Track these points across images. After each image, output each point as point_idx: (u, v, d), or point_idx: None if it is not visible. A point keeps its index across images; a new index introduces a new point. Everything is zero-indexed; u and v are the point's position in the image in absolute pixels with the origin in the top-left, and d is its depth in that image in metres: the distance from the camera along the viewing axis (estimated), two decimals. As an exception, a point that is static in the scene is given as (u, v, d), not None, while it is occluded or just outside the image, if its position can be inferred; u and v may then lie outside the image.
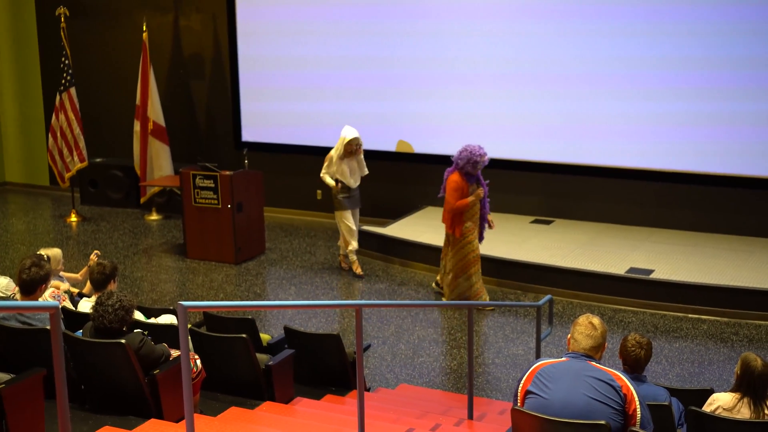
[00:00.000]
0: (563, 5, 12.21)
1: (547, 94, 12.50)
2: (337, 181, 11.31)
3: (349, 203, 11.46)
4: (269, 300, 10.94)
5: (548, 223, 12.65)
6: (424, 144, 13.29)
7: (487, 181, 10.30)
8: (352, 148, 11.22)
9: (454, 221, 10.12)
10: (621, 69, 12.03)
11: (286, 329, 7.59)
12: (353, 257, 11.58)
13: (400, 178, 13.62)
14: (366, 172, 11.60)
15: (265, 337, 7.70)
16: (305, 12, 13.73)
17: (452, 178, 10.05)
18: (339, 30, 13.57)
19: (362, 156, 11.47)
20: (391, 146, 13.57)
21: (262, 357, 6.90)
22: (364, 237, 12.50)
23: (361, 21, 13.41)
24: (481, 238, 10.35)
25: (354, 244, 11.55)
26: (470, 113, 12.89)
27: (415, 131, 13.38)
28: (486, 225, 10.41)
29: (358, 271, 11.52)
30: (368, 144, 13.66)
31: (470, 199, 10.00)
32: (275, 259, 12.35)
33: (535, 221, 12.75)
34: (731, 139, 11.70)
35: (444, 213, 10.22)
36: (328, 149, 13.43)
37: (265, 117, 14.34)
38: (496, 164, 12.83)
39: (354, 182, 11.42)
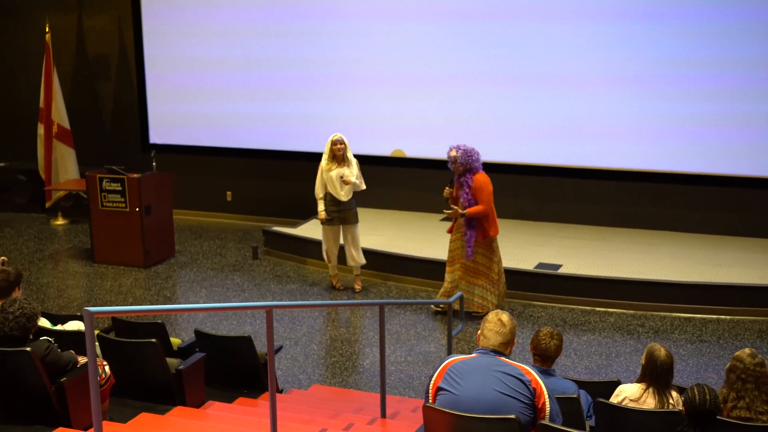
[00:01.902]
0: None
1: (460, 94, 12.63)
2: (326, 194, 10.60)
3: (338, 218, 10.64)
4: (179, 303, 10.84)
5: (458, 220, 12.75)
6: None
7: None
8: (337, 150, 10.41)
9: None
10: (556, 69, 12.20)
11: (197, 332, 7.52)
12: (333, 272, 11.06)
13: (311, 177, 13.56)
14: (363, 187, 10.64)
15: (175, 341, 7.62)
16: (212, 12, 13.63)
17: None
18: (246, 30, 13.50)
19: (357, 168, 10.55)
20: (303, 146, 13.51)
21: (172, 361, 6.82)
22: (273, 237, 12.46)
23: (268, 22, 13.36)
24: (468, 255, 9.87)
25: (332, 262, 10.96)
26: (377, 113, 12.95)
27: (328, 132, 13.31)
28: (470, 237, 9.84)
29: (357, 287, 11.00)
30: (279, 145, 13.67)
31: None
32: (185, 262, 12.23)
33: (446, 219, 12.81)
34: (629, 136, 11.96)
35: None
36: (237, 150, 13.38)
37: (173, 118, 14.19)
38: (401, 162, 12.95)
39: (345, 195, 10.53)
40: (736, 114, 11.49)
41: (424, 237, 11.96)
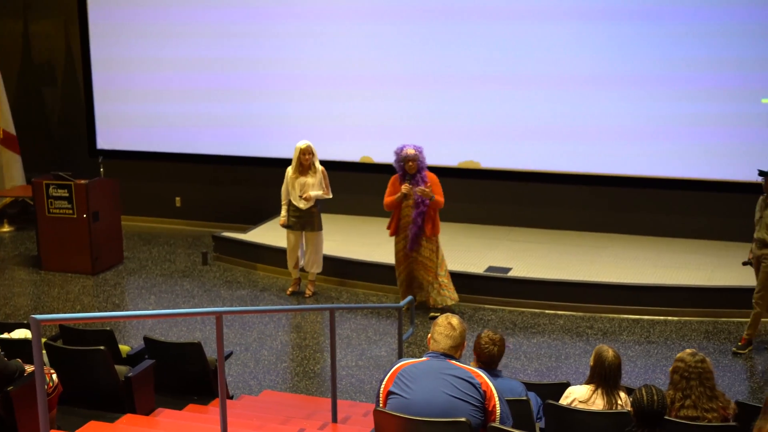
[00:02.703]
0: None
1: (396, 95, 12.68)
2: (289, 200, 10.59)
3: (299, 224, 10.63)
4: (128, 310, 10.74)
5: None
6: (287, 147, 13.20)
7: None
8: (304, 160, 10.36)
9: (391, 220, 10.09)
10: (500, 71, 12.26)
11: (146, 339, 7.47)
12: (294, 276, 11.01)
13: (262, 182, 13.53)
14: (329, 195, 10.65)
15: (124, 348, 7.57)
16: (161, 13, 13.50)
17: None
18: (195, 31, 13.38)
19: (324, 177, 10.54)
20: (254, 151, 13.45)
21: (121, 369, 6.77)
22: (223, 243, 12.41)
23: (218, 22, 13.26)
24: (411, 245, 10.02)
25: (289, 266, 10.96)
26: (330, 114, 12.93)
27: (279, 135, 13.28)
28: (419, 230, 9.96)
29: (308, 293, 10.94)
30: (228, 149, 13.60)
31: (396, 195, 9.91)
32: (134, 269, 12.14)
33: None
34: (574, 138, 12.04)
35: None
36: (186, 155, 13.29)
37: (121, 121, 14.05)
38: (351, 167, 12.93)
39: (305, 204, 10.50)
40: (685, 116, 11.62)
41: (372, 241, 11.96)
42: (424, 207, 9.85)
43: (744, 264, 9.44)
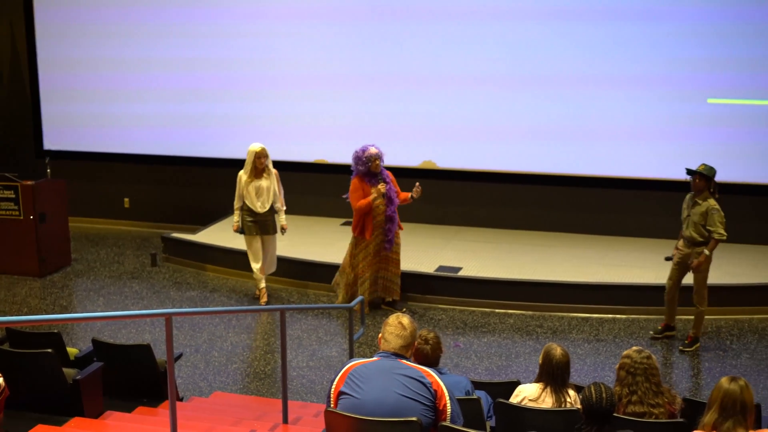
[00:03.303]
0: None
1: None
2: (243, 206, 10.39)
3: (256, 228, 10.45)
4: (76, 312, 10.64)
5: (359, 224, 12.77)
6: (236, 148, 13.16)
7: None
8: (260, 164, 10.20)
9: (359, 223, 10.04)
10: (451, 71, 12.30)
11: (95, 341, 7.40)
12: (260, 285, 10.72)
13: (210, 183, 13.48)
14: (279, 205, 10.46)
15: (72, 351, 7.49)
16: (108, 12, 13.39)
17: (351, 183, 10.01)
18: (141, 31, 13.32)
19: (278, 183, 10.45)
20: (202, 152, 13.38)
21: (69, 371, 6.70)
22: (173, 244, 12.33)
23: (164, 22, 13.19)
24: (389, 243, 10.15)
25: (255, 269, 10.65)
26: (274, 115, 12.92)
27: (226, 136, 13.23)
28: (395, 228, 10.14)
29: (263, 300, 10.70)
30: (176, 149, 13.53)
31: (372, 196, 9.90)
32: (82, 270, 12.02)
33: (345, 223, 12.84)
34: (524, 139, 12.14)
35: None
36: (134, 156, 13.16)
37: (68, 124, 13.92)
38: (302, 167, 12.92)
39: (261, 207, 10.34)
40: (629, 115, 11.76)
41: (322, 241, 11.97)
42: (395, 204, 10.07)
43: (666, 259, 9.57)
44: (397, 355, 4.87)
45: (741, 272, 10.75)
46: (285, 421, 6.90)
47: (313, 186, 13.03)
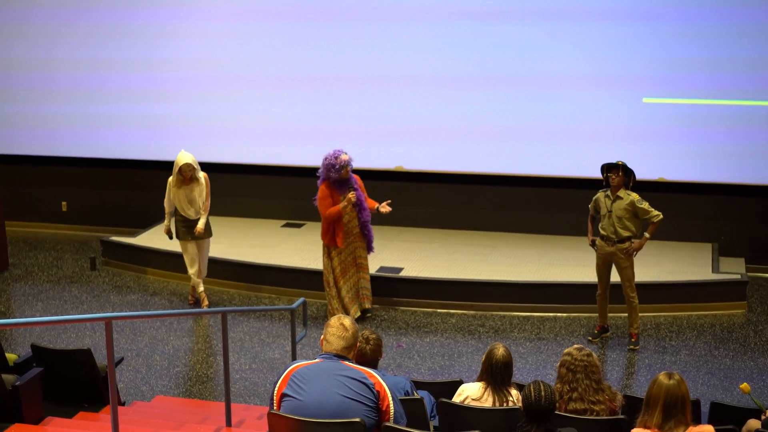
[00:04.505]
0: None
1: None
2: (175, 211, 10.30)
3: (190, 233, 10.32)
4: (14, 318, 10.50)
5: (299, 226, 12.76)
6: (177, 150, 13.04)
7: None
8: (185, 175, 10.10)
9: (329, 230, 9.87)
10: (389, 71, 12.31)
11: (34, 347, 7.32)
12: (199, 288, 10.59)
13: (149, 185, 13.36)
14: (202, 211, 10.27)
15: (11, 356, 7.40)
16: (41, 12, 13.20)
17: (320, 189, 9.80)
18: (76, 32, 13.10)
19: (207, 188, 10.29)
20: (140, 154, 13.26)
21: (8, 377, 6.62)
22: (112, 248, 12.23)
23: (100, 22, 12.99)
24: (369, 249, 10.13)
25: (191, 273, 10.50)
26: (221, 115, 12.82)
27: (165, 138, 13.11)
28: (369, 233, 10.09)
29: (204, 304, 10.54)
30: (114, 152, 13.40)
31: (342, 204, 9.74)
32: (20, 275, 11.87)
33: (286, 225, 12.83)
34: (459, 138, 12.17)
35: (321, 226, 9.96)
36: (71, 159, 13.03)
37: (1, 126, 13.70)
38: (241, 169, 12.87)
39: (194, 213, 10.25)
40: (551, 115, 11.87)
41: (263, 243, 11.94)
42: (367, 209, 9.99)
43: (592, 244, 9.54)
44: (339, 356, 4.88)
45: (680, 270, 10.91)
46: (228, 424, 6.89)
47: (253, 188, 12.98)
